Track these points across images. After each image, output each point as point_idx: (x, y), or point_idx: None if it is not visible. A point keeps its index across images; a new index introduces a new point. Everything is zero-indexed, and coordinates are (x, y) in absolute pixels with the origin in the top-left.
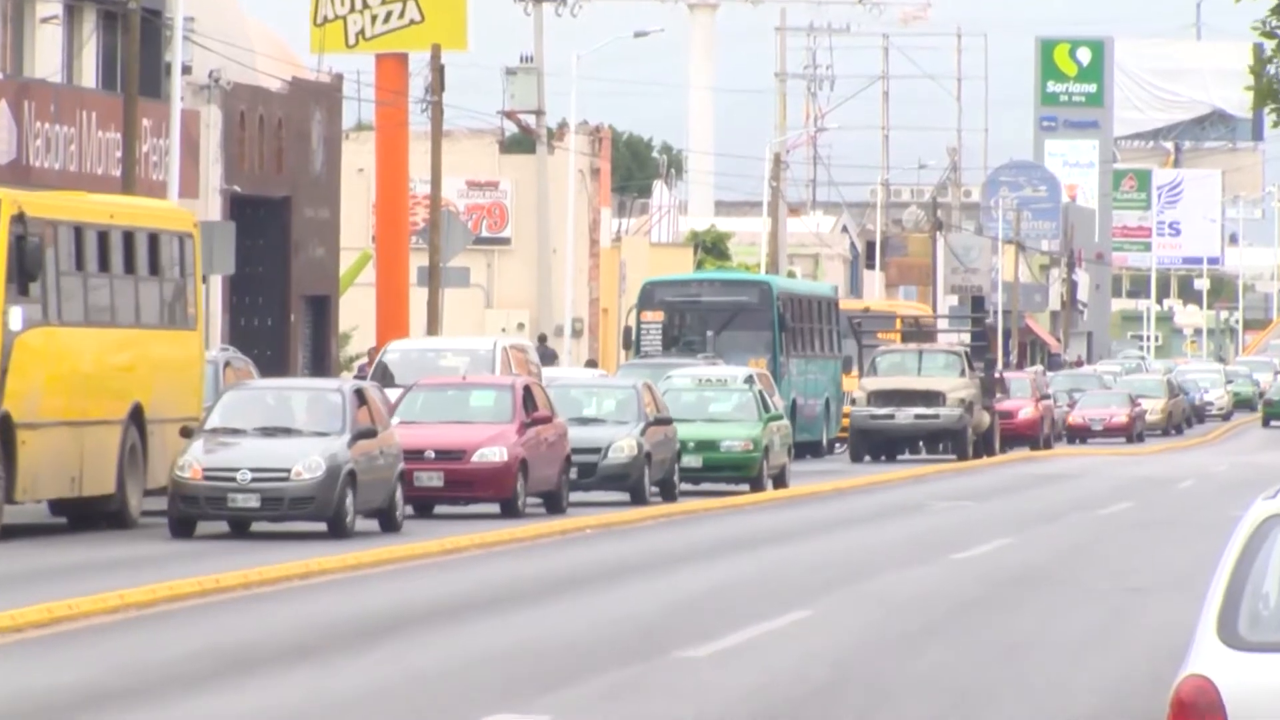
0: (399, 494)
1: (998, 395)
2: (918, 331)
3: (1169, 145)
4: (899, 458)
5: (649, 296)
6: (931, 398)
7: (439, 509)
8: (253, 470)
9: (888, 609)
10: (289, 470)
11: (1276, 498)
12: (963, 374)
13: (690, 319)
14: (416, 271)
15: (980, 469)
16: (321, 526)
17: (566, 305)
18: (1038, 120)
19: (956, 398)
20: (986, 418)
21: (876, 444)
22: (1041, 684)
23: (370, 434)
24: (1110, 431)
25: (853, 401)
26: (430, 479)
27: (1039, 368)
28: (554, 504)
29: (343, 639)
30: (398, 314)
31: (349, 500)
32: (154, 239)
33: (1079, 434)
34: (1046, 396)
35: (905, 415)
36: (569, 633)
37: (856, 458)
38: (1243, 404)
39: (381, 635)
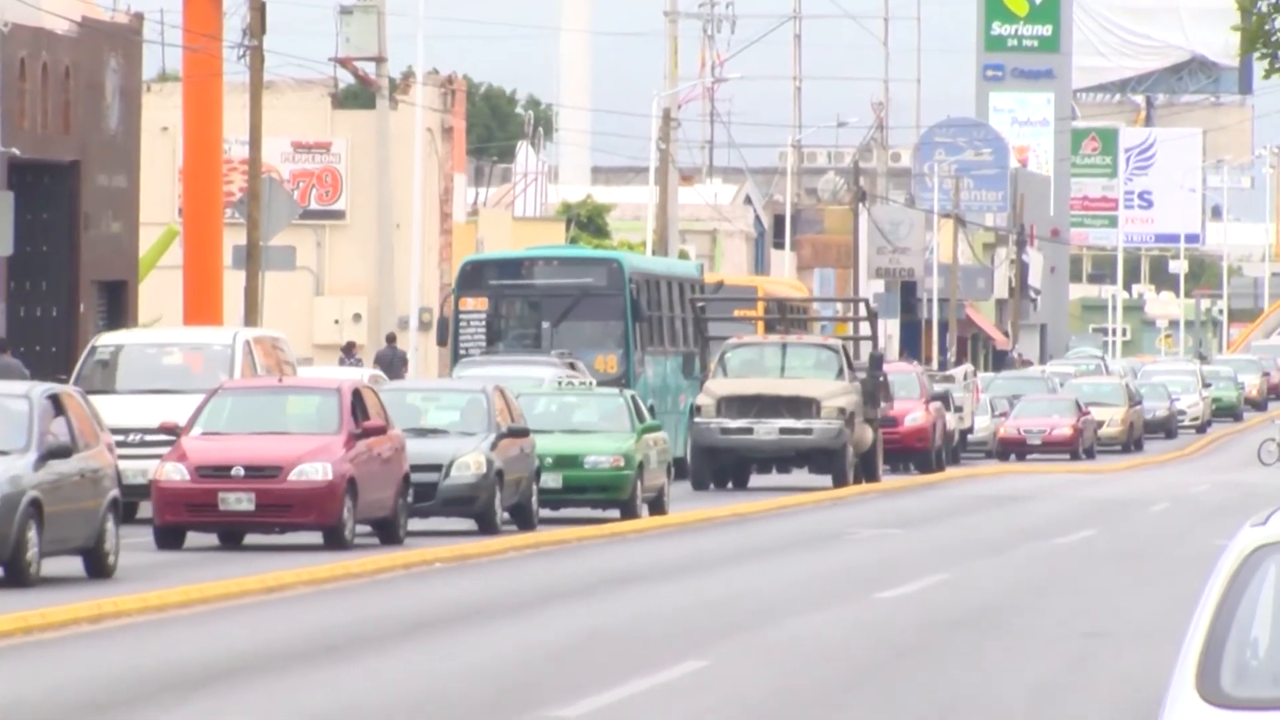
0: (111, 528)
1: (882, 404)
2: (783, 319)
3: (1139, 99)
4: (751, 486)
5: (470, 279)
6: (801, 406)
7: (251, 538)
8: None
9: (799, 658)
10: None
11: (1268, 524)
12: (840, 375)
13: (522, 307)
14: (232, 251)
15: (912, 489)
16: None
17: (412, 292)
18: (981, 69)
19: (834, 406)
20: (869, 433)
21: (728, 466)
22: None
23: (64, 452)
24: (1051, 446)
25: (696, 410)
26: (238, 501)
27: (967, 366)
28: (388, 532)
29: (144, 695)
30: (209, 302)
31: (31, 538)
32: None
33: (1013, 449)
34: (939, 398)
35: (768, 429)
36: (415, 687)
37: (700, 484)
38: (1224, 412)
39: (190, 690)
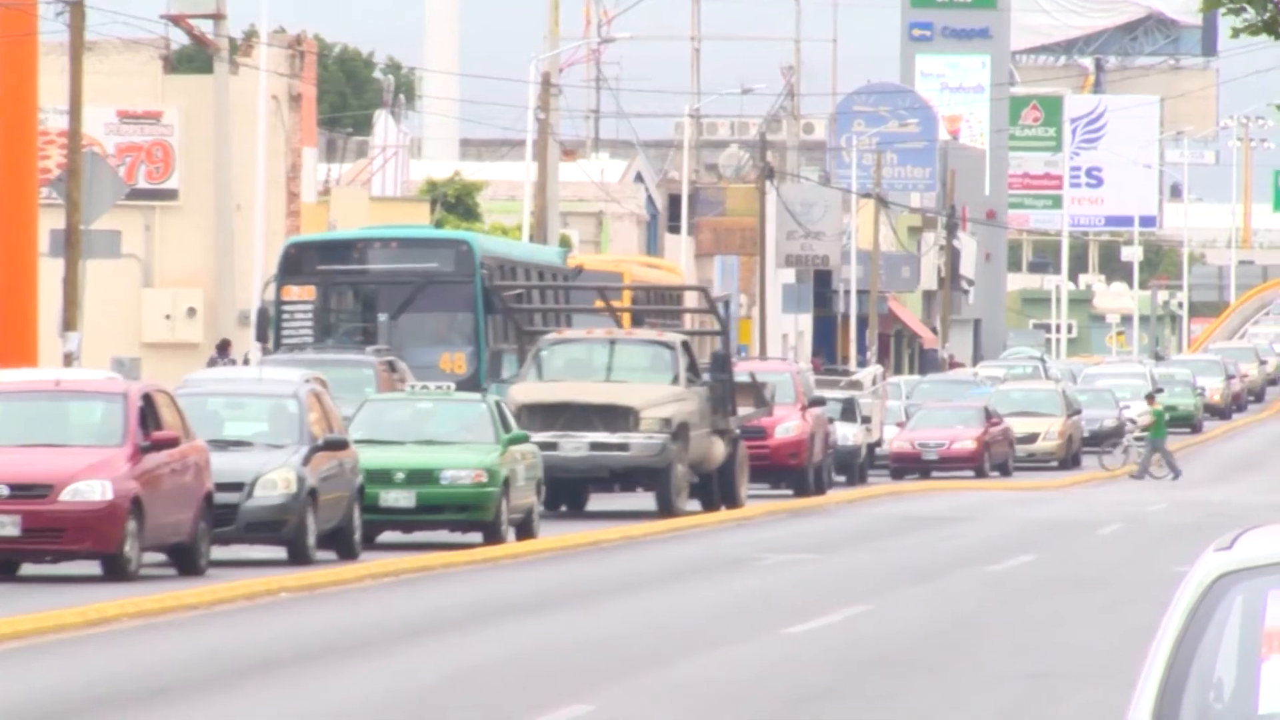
0: None
1: (754, 410)
2: (608, 308)
3: (1087, 62)
4: (590, 509)
5: (294, 263)
6: (617, 417)
7: (28, 566)
8: None
9: (698, 703)
10: None
11: (1233, 548)
12: (676, 379)
13: (354, 296)
14: (49, 236)
15: (826, 509)
16: None
17: (255, 282)
18: (906, 28)
19: (658, 417)
20: (719, 447)
21: (556, 487)
22: None
23: None
24: (950, 462)
25: None
26: (4, 526)
27: (875, 369)
28: (187, 561)
29: None
30: (22, 295)
31: None
32: None
33: (908, 465)
34: (819, 403)
35: (575, 444)
36: None
37: None
38: (1180, 421)
39: None
